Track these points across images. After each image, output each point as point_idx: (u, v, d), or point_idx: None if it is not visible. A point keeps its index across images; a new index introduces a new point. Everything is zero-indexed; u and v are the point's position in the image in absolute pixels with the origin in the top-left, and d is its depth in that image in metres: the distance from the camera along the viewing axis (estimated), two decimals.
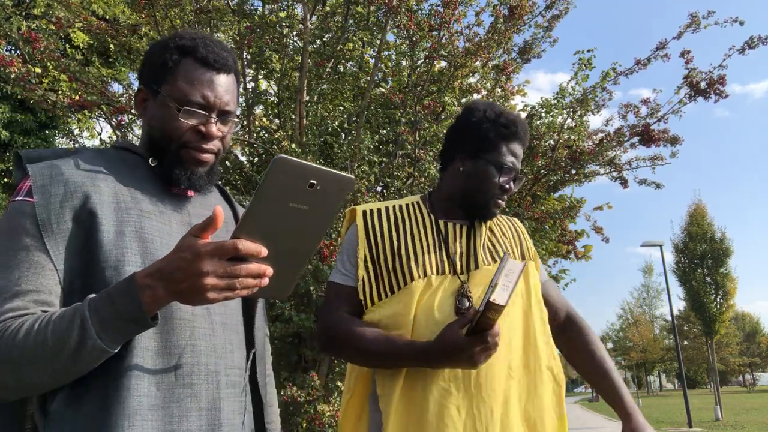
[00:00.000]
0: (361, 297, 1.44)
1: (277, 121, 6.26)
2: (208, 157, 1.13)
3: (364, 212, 1.52)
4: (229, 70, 1.14)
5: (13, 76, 4.64)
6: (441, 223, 1.52)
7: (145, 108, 1.14)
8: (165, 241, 1.05)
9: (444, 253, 1.47)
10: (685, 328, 42.56)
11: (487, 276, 1.45)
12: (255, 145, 5.86)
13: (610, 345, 63.09)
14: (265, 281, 0.88)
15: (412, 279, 1.41)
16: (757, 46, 5.55)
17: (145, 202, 1.07)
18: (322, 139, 5.54)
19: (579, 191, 37.23)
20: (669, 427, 17.48)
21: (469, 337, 1.23)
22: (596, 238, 11.86)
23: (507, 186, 1.49)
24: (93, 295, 0.91)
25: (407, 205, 1.55)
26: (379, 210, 1.53)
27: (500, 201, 1.50)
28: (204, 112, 1.09)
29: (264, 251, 0.86)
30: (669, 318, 32.36)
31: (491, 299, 1.16)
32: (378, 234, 1.48)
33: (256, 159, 5.94)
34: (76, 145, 7.22)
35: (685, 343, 44.25)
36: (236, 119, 1.18)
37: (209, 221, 0.87)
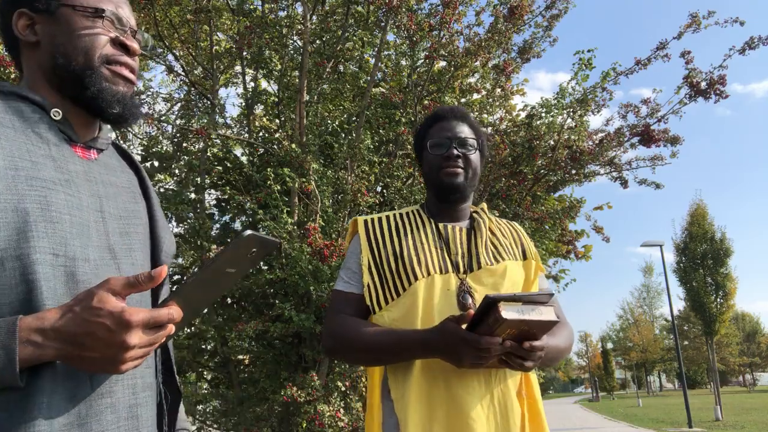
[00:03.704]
0: (368, 303, 1.47)
1: (277, 121, 6.26)
2: (133, 76, 0.97)
3: (366, 222, 1.57)
4: None
5: (13, 76, 4.64)
6: (441, 226, 1.56)
7: (33, 32, 0.93)
8: (76, 219, 0.86)
9: (446, 253, 1.51)
10: (685, 328, 42.56)
11: (489, 276, 1.49)
12: (255, 145, 5.86)
13: (610, 345, 63.10)
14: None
15: (416, 279, 1.44)
16: (758, 46, 5.55)
17: (49, 169, 0.86)
18: (322, 139, 5.54)
19: (579, 191, 37.23)
20: (669, 427, 17.48)
21: (465, 333, 1.24)
22: (596, 238, 11.87)
23: (448, 153, 1.54)
24: None
25: (407, 213, 1.61)
26: (380, 219, 1.58)
27: (450, 169, 1.54)
28: (121, 25, 0.96)
29: (182, 314, 0.82)
30: (669, 318, 32.37)
31: (500, 307, 1.15)
32: (380, 240, 1.53)
33: (256, 159, 5.94)
34: None
35: (685, 343, 44.25)
36: (143, 47, 1.04)
37: (141, 280, 0.76)
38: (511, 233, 1.66)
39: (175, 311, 0.79)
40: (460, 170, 1.55)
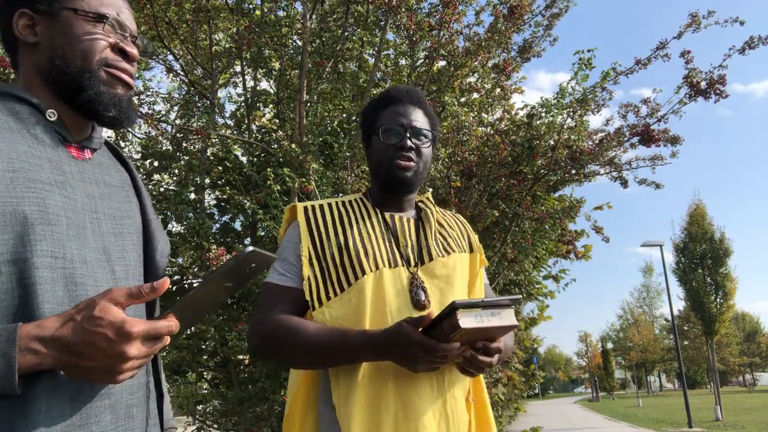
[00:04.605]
0: (308, 297, 1.33)
1: (276, 120, 6.25)
2: (130, 80, 0.98)
3: (305, 208, 1.42)
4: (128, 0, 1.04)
5: (12, 76, 4.63)
6: (387, 216, 1.45)
7: (33, 32, 0.93)
8: (72, 221, 0.86)
9: (394, 245, 1.40)
10: (685, 328, 42.54)
11: (441, 268, 1.40)
12: (255, 145, 5.86)
13: (610, 345, 63.07)
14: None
15: (363, 273, 1.32)
16: (758, 46, 5.54)
17: (46, 171, 0.85)
18: (321, 139, 5.54)
19: (579, 191, 37.22)
20: (669, 427, 17.47)
21: (422, 338, 1.15)
22: (596, 238, 11.85)
23: (401, 143, 1.41)
24: None
25: (350, 201, 1.48)
26: (321, 206, 1.44)
27: (401, 161, 1.41)
28: (120, 31, 0.97)
29: (180, 325, 0.83)
30: (669, 318, 32.36)
31: (458, 315, 1.09)
32: (322, 230, 1.39)
33: (256, 159, 5.94)
34: None
35: (685, 343, 44.23)
36: (141, 52, 1.05)
37: (143, 291, 0.77)
38: (457, 225, 1.57)
39: (173, 324, 0.80)
40: (412, 164, 1.42)
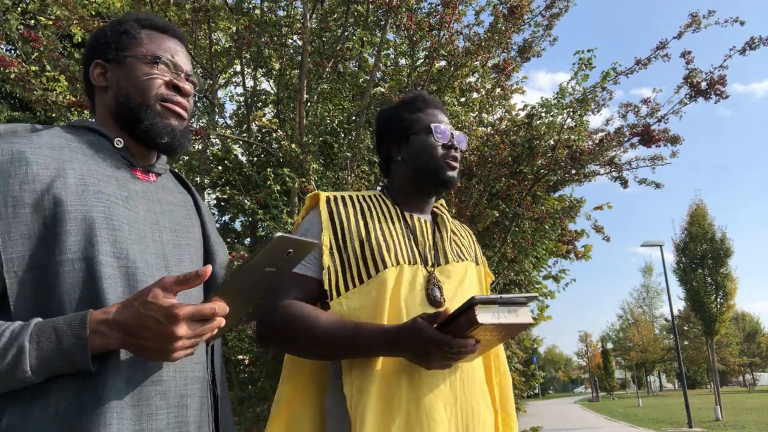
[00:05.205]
0: (326, 287, 1.33)
1: (276, 120, 6.25)
2: (184, 113, 1.13)
3: (328, 198, 1.43)
4: (185, 42, 1.21)
5: (12, 76, 4.63)
6: (407, 215, 1.47)
7: (104, 78, 1.12)
8: (134, 229, 1.01)
9: (413, 244, 1.42)
10: (685, 328, 42.54)
11: (456, 272, 1.42)
12: (255, 145, 5.85)
13: (610, 345, 63.06)
14: (216, 330, 0.93)
15: (385, 267, 1.33)
16: (758, 46, 5.54)
17: (112, 186, 1.02)
18: (321, 139, 5.53)
19: (579, 191, 37.23)
20: (669, 427, 17.47)
21: (437, 333, 1.16)
22: (596, 238, 11.86)
23: (449, 142, 1.47)
24: (37, 321, 0.87)
25: (370, 196, 1.49)
26: (342, 197, 1.45)
27: (452, 161, 1.46)
28: (175, 70, 1.13)
29: (227, 308, 0.91)
30: (669, 318, 32.34)
31: (476, 310, 1.11)
32: (344, 221, 1.39)
33: (256, 159, 5.94)
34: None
35: (685, 343, 44.23)
36: (196, 89, 1.21)
37: (190, 277, 0.87)
38: (467, 235, 1.60)
39: (218, 306, 0.89)
40: (457, 165, 1.48)
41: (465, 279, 1.44)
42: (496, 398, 1.45)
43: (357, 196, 1.48)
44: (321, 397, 1.38)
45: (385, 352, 1.24)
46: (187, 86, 1.14)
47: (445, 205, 1.62)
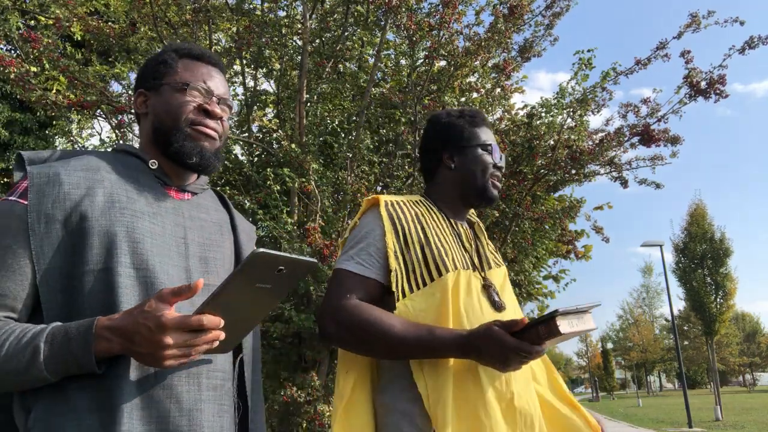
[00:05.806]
0: (394, 288, 1.36)
1: (276, 120, 6.25)
2: (215, 134, 1.20)
3: (386, 202, 1.46)
4: (221, 68, 1.27)
5: (12, 76, 4.63)
6: (452, 221, 1.54)
7: (146, 105, 1.21)
8: (156, 242, 1.07)
9: (463, 249, 1.49)
10: (685, 328, 42.55)
11: (497, 276, 1.51)
12: (255, 145, 5.85)
13: (610, 345, 63.08)
14: (216, 343, 0.96)
15: (447, 271, 1.38)
16: (758, 46, 5.54)
17: (140, 203, 1.09)
18: (321, 139, 5.54)
19: (579, 191, 37.22)
20: (669, 427, 17.48)
21: (517, 342, 1.22)
22: (596, 238, 11.85)
23: (499, 162, 1.58)
24: (55, 324, 0.96)
25: (416, 201, 1.53)
26: (398, 202, 1.49)
27: (497, 181, 1.58)
28: (206, 95, 1.20)
29: (222, 323, 0.94)
30: (669, 318, 32.35)
31: (557, 320, 1.18)
32: (405, 224, 1.43)
33: (256, 159, 5.94)
34: (76, 146, 7.20)
35: (685, 343, 44.25)
36: (231, 112, 1.28)
37: (182, 290, 0.92)
38: (490, 242, 1.69)
39: (205, 318, 0.91)
40: (499, 187, 1.60)
41: (505, 284, 1.53)
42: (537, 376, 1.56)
43: (408, 200, 1.52)
44: (371, 392, 1.43)
45: (458, 355, 1.30)
46: (218, 110, 1.20)
47: (474, 213, 1.69)
